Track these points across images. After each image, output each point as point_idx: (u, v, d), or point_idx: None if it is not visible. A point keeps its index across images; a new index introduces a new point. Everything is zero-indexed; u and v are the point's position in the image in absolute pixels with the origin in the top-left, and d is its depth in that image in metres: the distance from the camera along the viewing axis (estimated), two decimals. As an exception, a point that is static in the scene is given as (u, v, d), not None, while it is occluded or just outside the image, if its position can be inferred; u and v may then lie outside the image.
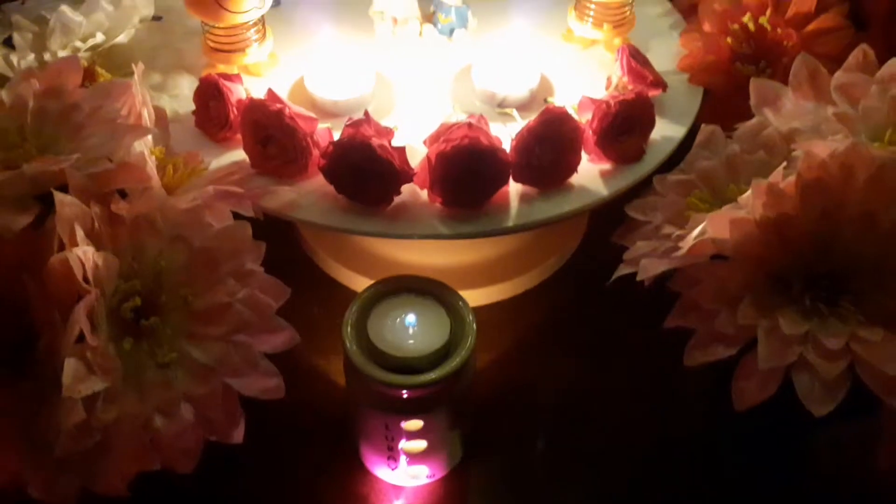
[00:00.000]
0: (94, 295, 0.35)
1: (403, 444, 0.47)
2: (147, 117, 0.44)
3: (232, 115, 0.51)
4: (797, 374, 0.38)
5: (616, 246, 0.50)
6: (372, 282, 0.58)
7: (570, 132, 0.49)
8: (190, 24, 0.57)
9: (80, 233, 0.36)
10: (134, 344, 0.39)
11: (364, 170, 0.46)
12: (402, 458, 0.48)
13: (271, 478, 0.49)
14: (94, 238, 0.37)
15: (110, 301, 0.38)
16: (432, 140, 0.48)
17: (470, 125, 0.46)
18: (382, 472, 0.49)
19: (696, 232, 0.42)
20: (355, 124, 0.47)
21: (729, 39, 0.58)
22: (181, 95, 0.56)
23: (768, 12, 0.58)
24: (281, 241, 0.49)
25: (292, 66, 0.59)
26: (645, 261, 0.44)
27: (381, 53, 0.61)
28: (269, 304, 0.43)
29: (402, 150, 0.48)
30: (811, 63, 0.50)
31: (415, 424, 0.45)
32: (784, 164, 0.41)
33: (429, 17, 0.62)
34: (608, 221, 0.52)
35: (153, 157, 0.43)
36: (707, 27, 0.60)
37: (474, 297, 0.58)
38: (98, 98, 0.44)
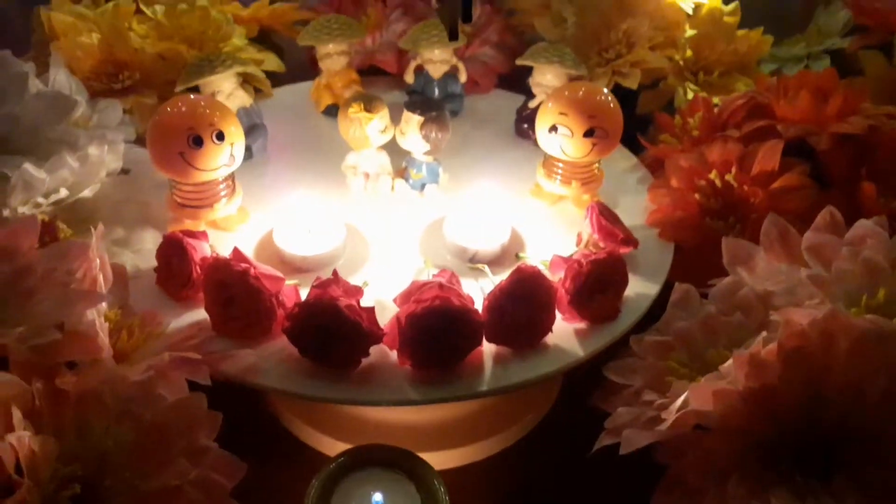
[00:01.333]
0: (24, 489, 0.31)
1: None
2: (102, 282, 0.42)
3: (195, 274, 0.49)
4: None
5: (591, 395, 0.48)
6: (340, 444, 0.55)
7: (544, 292, 0.47)
8: (157, 176, 0.57)
9: (17, 415, 0.33)
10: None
11: (330, 331, 0.45)
12: None
13: None
14: (33, 417, 0.34)
15: (46, 488, 0.34)
16: (403, 299, 0.47)
17: (441, 285, 0.45)
18: None
19: (678, 403, 0.40)
20: (323, 284, 0.46)
21: (697, 195, 0.59)
22: (144, 250, 0.54)
23: (733, 170, 0.59)
24: (243, 398, 0.46)
25: (262, 220, 0.58)
26: (627, 433, 0.41)
27: (353, 207, 0.60)
28: (222, 485, 0.39)
29: (370, 310, 0.46)
30: (780, 224, 0.50)
31: None
32: (764, 333, 0.40)
33: (400, 173, 0.62)
34: (584, 375, 0.50)
35: (106, 324, 0.41)
36: (675, 183, 0.61)
37: (447, 458, 0.55)
38: (53, 259, 0.42)
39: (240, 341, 0.47)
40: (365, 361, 0.46)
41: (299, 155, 0.66)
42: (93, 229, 0.44)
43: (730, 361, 0.40)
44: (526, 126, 0.68)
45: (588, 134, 0.55)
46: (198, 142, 0.51)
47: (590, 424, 0.56)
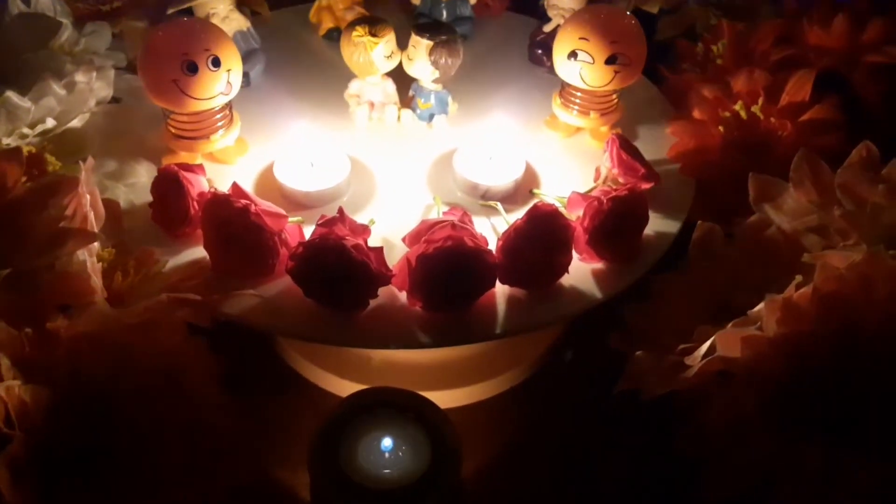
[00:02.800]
0: (17, 441, 0.30)
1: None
2: (93, 219, 0.39)
3: (192, 211, 0.46)
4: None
5: (602, 335, 0.46)
6: (345, 383, 0.54)
7: (561, 231, 0.45)
8: (151, 107, 0.53)
9: (5, 363, 0.31)
10: (79, 486, 0.33)
11: (337, 273, 0.42)
12: None
13: None
14: (23, 366, 0.32)
15: (40, 440, 0.33)
16: (412, 239, 0.44)
17: (453, 225, 0.43)
18: None
19: (703, 349, 0.38)
20: (328, 223, 0.43)
21: (720, 128, 0.56)
22: (138, 184, 0.51)
23: (760, 101, 0.56)
24: (246, 338, 0.44)
25: (261, 152, 0.55)
26: (649, 380, 0.40)
27: (357, 139, 0.57)
28: (224, 430, 0.38)
29: (379, 250, 0.44)
30: (812, 158, 0.47)
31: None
32: (798, 277, 0.38)
33: (407, 102, 0.59)
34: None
35: (99, 264, 0.38)
36: (697, 114, 0.58)
37: (453, 397, 0.54)
38: (41, 195, 0.40)
39: (241, 281, 0.45)
40: (373, 303, 0.44)
41: (299, 82, 0.62)
42: (81, 163, 0.41)
43: (760, 306, 0.37)
44: (540, 52, 0.64)
45: (610, 61, 0.51)
46: (192, 68, 0.48)
47: (598, 362, 0.55)
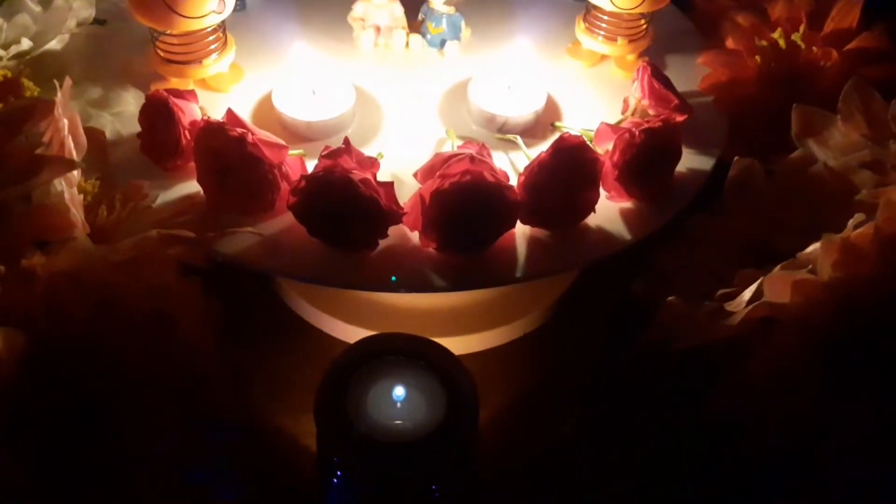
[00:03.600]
0: None
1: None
2: (72, 147, 0.35)
3: (183, 141, 0.42)
4: None
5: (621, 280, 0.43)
6: (351, 328, 0.50)
7: (589, 166, 0.41)
8: (138, 30, 0.49)
9: (-28, 303, 0.27)
10: (58, 444, 0.30)
11: (344, 210, 0.38)
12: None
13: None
14: (-4, 306, 0.28)
15: (16, 388, 0.29)
16: (425, 174, 0.41)
17: (472, 158, 0.39)
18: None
19: (747, 294, 0.34)
20: (333, 154, 0.39)
21: (757, 58, 0.51)
22: (125, 113, 0.47)
23: (802, 28, 0.51)
24: (245, 280, 0.41)
25: (258, 81, 0.51)
26: (682, 329, 0.36)
27: (362, 67, 0.53)
28: (223, 383, 0.34)
29: (389, 185, 0.40)
30: (865, 89, 0.43)
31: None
32: (858, 215, 0.34)
33: (416, 27, 0.54)
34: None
35: (81, 196, 0.35)
36: (731, 44, 0.53)
37: (466, 344, 0.51)
38: (14, 120, 0.36)
39: (239, 218, 0.41)
40: (382, 243, 0.41)
41: (299, 4, 0.57)
42: (58, 84, 0.37)
43: (811, 248, 0.34)
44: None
45: (642, -22, 0.47)
46: (181, -18, 0.43)
47: (615, 308, 0.52)
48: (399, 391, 0.38)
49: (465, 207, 0.38)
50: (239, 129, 0.40)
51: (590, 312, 0.54)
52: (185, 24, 0.45)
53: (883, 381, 0.33)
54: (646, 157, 0.42)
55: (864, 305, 0.33)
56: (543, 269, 0.42)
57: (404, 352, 0.40)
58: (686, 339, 0.36)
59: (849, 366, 0.34)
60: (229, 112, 0.41)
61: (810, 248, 0.34)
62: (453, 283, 0.40)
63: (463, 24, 0.53)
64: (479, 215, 0.39)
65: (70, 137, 0.35)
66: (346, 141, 0.40)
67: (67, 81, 0.38)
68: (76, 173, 0.35)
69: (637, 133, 0.42)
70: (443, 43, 0.53)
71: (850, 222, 0.34)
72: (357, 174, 0.39)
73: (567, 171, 0.40)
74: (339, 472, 0.37)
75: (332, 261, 0.40)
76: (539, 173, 0.40)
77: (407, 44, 0.54)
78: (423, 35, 0.54)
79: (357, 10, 0.54)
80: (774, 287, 0.33)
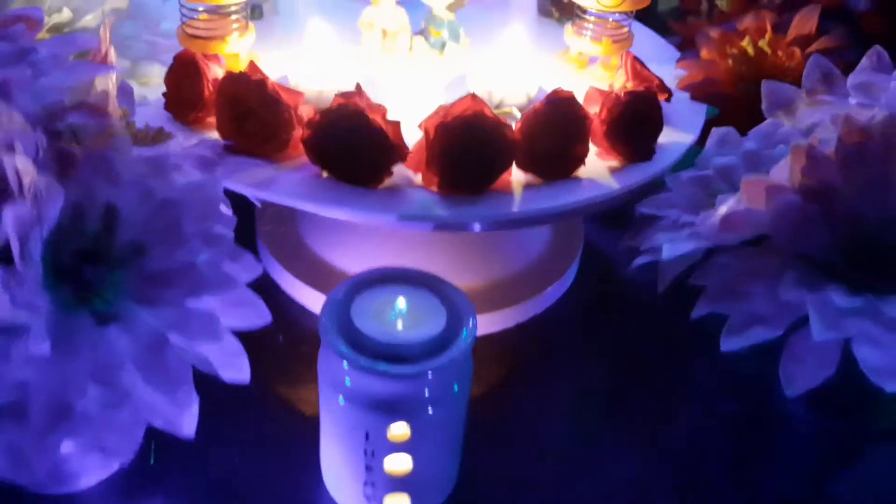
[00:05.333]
0: (29, 207, 0.28)
1: (386, 461, 0.39)
2: (113, 56, 0.39)
3: (207, 93, 0.46)
4: (859, 347, 0.33)
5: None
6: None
7: (579, 119, 0.45)
8: (163, 25, 0.54)
9: (18, 147, 0.30)
10: (71, 295, 0.32)
11: (354, 140, 0.42)
12: (382, 485, 0.40)
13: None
14: (37, 166, 0.31)
15: (48, 236, 0.31)
16: (430, 118, 0.44)
17: (473, 96, 0.42)
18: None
19: (728, 203, 0.37)
20: (346, 95, 0.43)
21: (729, 61, 0.57)
22: (151, 83, 0.51)
23: (768, 36, 0.57)
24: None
25: (273, 70, 0.55)
26: (668, 241, 0.39)
27: (368, 66, 0.57)
28: (237, 275, 0.36)
29: (396, 124, 0.43)
30: (824, 64, 0.48)
31: (401, 430, 0.38)
32: (819, 128, 0.38)
33: (419, 32, 0.59)
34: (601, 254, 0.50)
35: (116, 99, 0.38)
36: (705, 54, 0.59)
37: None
38: (58, 46, 0.39)
39: (254, 161, 0.44)
40: (387, 182, 0.44)
41: (312, 10, 0.62)
42: (105, 14, 0.40)
43: (784, 160, 0.37)
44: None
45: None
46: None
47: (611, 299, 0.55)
48: (401, 304, 0.39)
49: (467, 140, 0.42)
50: (259, 75, 0.44)
51: (587, 305, 0.57)
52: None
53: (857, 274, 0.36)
54: (630, 116, 0.46)
55: (831, 212, 0.36)
56: (538, 212, 0.44)
57: (405, 280, 0.41)
58: (672, 250, 0.38)
59: (819, 269, 0.36)
60: (251, 63, 0.45)
61: (780, 162, 0.38)
62: (455, 216, 0.43)
63: (462, 31, 0.59)
64: (480, 149, 0.42)
65: (112, 49, 0.38)
66: (358, 86, 0.44)
67: (110, 19, 0.42)
68: (114, 75, 0.38)
69: (623, 94, 0.46)
70: (443, 45, 0.58)
71: (814, 133, 0.37)
72: (368, 111, 0.42)
73: (560, 121, 0.44)
74: (342, 394, 0.38)
75: (339, 193, 0.43)
76: (534, 119, 0.44)
77: (411, 46, 0.59)
78: (426, 38, 0.59)
79: (366, 16, 0.59)
80: (751, 192, 0.36)
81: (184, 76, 0.47)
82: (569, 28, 0.58)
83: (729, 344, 0.36)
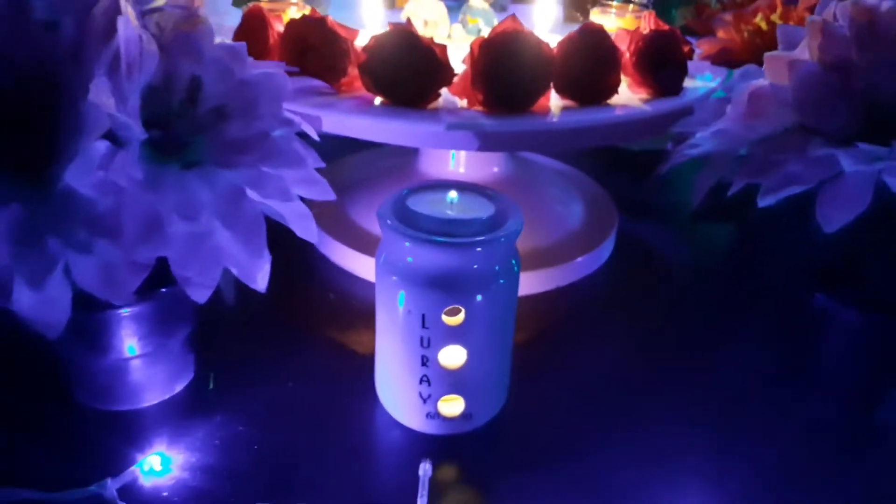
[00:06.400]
0: (136, 34, 0.32)
1: (441, 354, 0.41)
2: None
3: (272, 40, 0.51)
4: (891, 178, 0.34)
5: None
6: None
7: (609, 49, 0.49)
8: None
9: (123, 4, 0.34)
10: (162, 144, 0.35)
11: (405, 61, 0.46)
12: (438, 382, 0.41)
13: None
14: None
15: (144, 89, 0.35)
16: (475, 41, 0.48)
17: (514, 17, 0.47)
18: (413, 415, 0.43)
19: (753, 83, 0.40)
20: (398, 25, 0.48)
21: (745, 34, 0.61)
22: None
23: (779, 10, 0.62)
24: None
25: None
26: (700, 131, 0.42)
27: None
28: (304, 153, 0.40)
29: (443, 47, 0.47)
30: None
31: (456, 313, 0.40)
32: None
33: (458, 20, 0.65)
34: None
35: None
36: (721, 34, 0.63)
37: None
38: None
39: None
40: (433, 106, 0.47)
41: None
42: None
43: (803, 41, 0.40)
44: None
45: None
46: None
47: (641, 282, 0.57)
48: (453, 195, 0.42)
49: (510, 56, 0.46)
50: (319, 16, 0.49)
51: (626, 278, 0.59)
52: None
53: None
54: (656, 49, 0.50)
55: (848, 87, 0.39)
56: (575, 125, 0.47)
57: (456, 186, 0.44)
58: (704, 141, 0.41)
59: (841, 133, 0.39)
60: (312, 10, 0.50)
61: (802, 43, 0.41)
62: (497, 129, 0.46)
63: (496, 20, 0.64)
64: (522, 65, 0.46)
65: None
66: (408, 20, 0.49)
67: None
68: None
69: (650, 31, 0.50)
70: (479, 32, 0.64)
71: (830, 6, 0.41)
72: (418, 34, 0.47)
73: (593, 48, 0.48)
74: (400, 276, 0.40)
75: (391, 110, 0.47)
76: (569, 46, 0.48)
77: (449, 35, 0.65)
78: (463, 25, 0.65)
79: (408, 8, 0.65)
80: (774, 67, 0.40)
81: (250, 26, 0.52)
82: (595, 10, 0.64)
83: (766, 200, 0.38)
